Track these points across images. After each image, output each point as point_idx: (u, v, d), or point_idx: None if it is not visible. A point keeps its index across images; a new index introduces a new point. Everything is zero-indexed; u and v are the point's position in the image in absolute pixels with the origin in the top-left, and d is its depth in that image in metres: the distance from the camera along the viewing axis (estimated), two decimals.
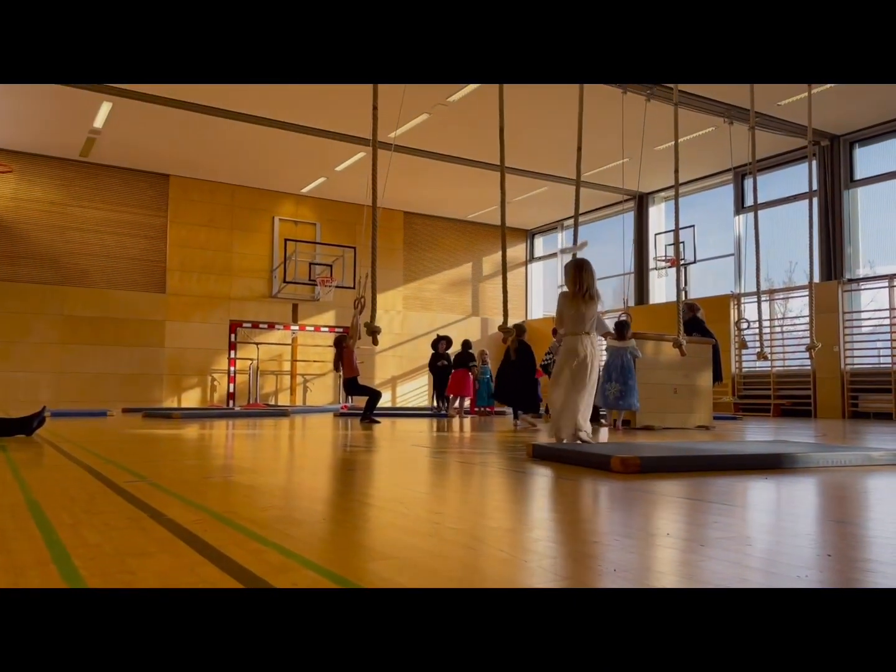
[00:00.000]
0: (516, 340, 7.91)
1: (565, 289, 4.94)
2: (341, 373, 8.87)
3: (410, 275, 17.13)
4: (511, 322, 4.69)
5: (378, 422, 8.38)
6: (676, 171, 6.75)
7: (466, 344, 10.99)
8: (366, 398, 8.78)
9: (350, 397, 15.63)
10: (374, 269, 4.08)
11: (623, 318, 8.44)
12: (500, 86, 4.95)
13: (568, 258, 5.16)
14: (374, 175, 4.04)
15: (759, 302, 7.66)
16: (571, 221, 20.24)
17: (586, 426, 4.78)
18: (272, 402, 15.22)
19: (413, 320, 16.71)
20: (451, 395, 10.70)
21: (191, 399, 14.67)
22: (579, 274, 4.81)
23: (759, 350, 7.37)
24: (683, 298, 13.76)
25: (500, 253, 17.54)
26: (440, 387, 11.06)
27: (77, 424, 7.55)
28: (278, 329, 15.55)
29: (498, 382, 8.69)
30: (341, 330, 16.08)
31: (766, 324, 13.54)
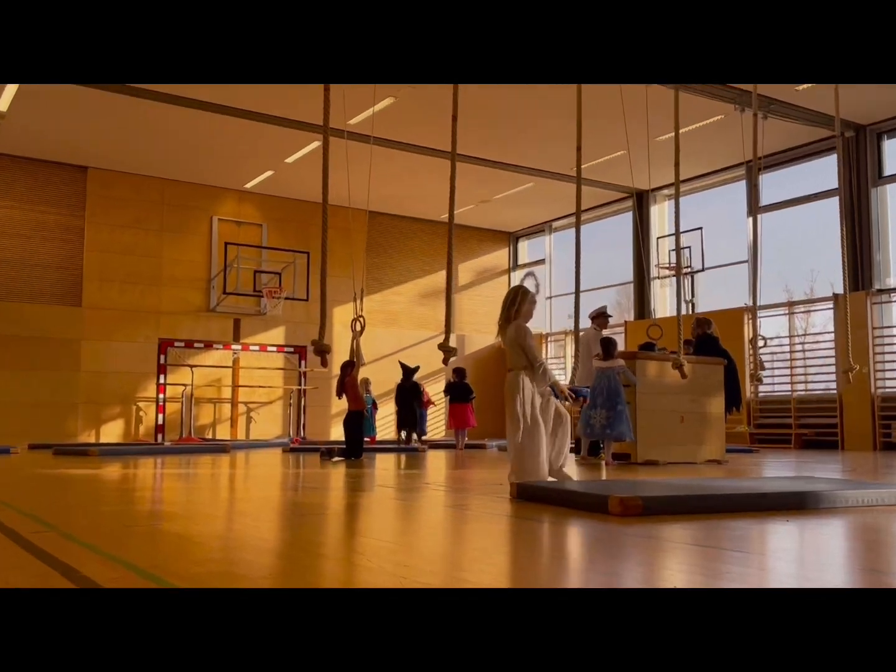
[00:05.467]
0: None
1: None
2: (344, 401, 8.77)
3: (374, 285, 17.00)
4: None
5: (351, 458, 8.31)
6: (677, 165, 6.85)
7: (462, 373, 11.61)
8: (350, 436, 8.61)
9: (302, 430, 15.55)
10: (324, 276, 4.08)
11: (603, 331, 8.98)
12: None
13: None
14: (325, 165, 4.06)
15: (754, 318, 7.76)
16: (560, 223, 20.19)
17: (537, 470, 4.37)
18: (209, 436, 15.06)
19: (376, 338, 16.62)
20: (455, 429, 11.51)
21: (112, 433, 14.46)
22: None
23: (751, 371, 7.40)
24: (691, 312, 14.03)
25: (478, 259, 17.62)
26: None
27: None
28: (217, 349, 15.42)
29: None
30: (292, 349, 16.01)
31: (785, 341, 13.74)
